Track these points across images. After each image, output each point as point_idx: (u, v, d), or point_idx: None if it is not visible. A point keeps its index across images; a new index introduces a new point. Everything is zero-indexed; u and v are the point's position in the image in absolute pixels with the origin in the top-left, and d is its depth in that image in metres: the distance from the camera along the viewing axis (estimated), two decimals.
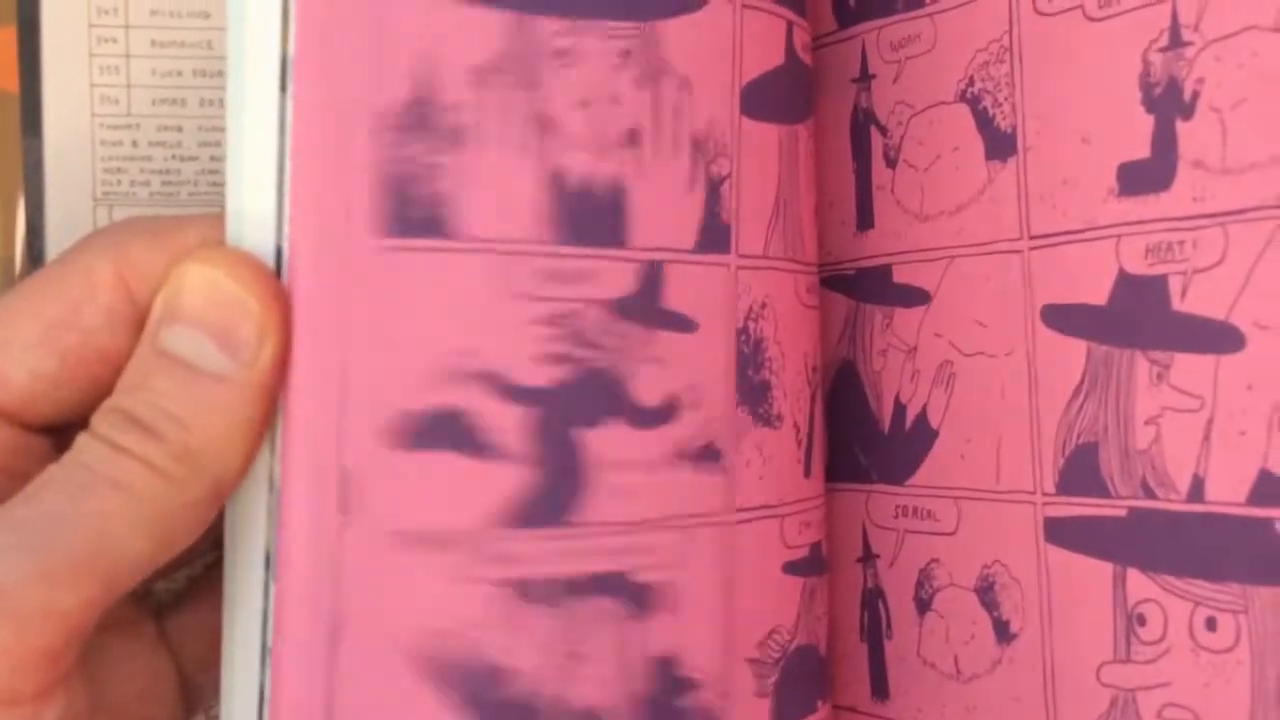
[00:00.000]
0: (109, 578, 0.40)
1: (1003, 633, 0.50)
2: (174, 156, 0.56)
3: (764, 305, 0.50)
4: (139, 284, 0.44)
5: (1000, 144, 0.50)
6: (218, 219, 0.44)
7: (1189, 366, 0.45)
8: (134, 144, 0.56)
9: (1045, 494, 0.49)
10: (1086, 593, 0.48)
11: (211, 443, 0.42)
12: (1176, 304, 0.46)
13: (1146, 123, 0.46)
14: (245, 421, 0.42)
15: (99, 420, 0.42)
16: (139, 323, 0.44)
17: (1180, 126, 0.45)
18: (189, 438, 0.42)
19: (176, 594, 0.51)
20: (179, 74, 0.56)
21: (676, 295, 0.47)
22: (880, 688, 0.54)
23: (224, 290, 0.42)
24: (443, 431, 0.44)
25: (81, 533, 0.40)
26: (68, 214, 0.56)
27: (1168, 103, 0.46)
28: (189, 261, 0.43)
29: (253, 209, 0.44)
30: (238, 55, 0.44)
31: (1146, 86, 0.46)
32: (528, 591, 0.45)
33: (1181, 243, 0.45)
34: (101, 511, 0.40)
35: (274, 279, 0.43)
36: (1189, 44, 0.45)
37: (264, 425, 0.43)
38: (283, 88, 0.44)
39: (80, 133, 0.56)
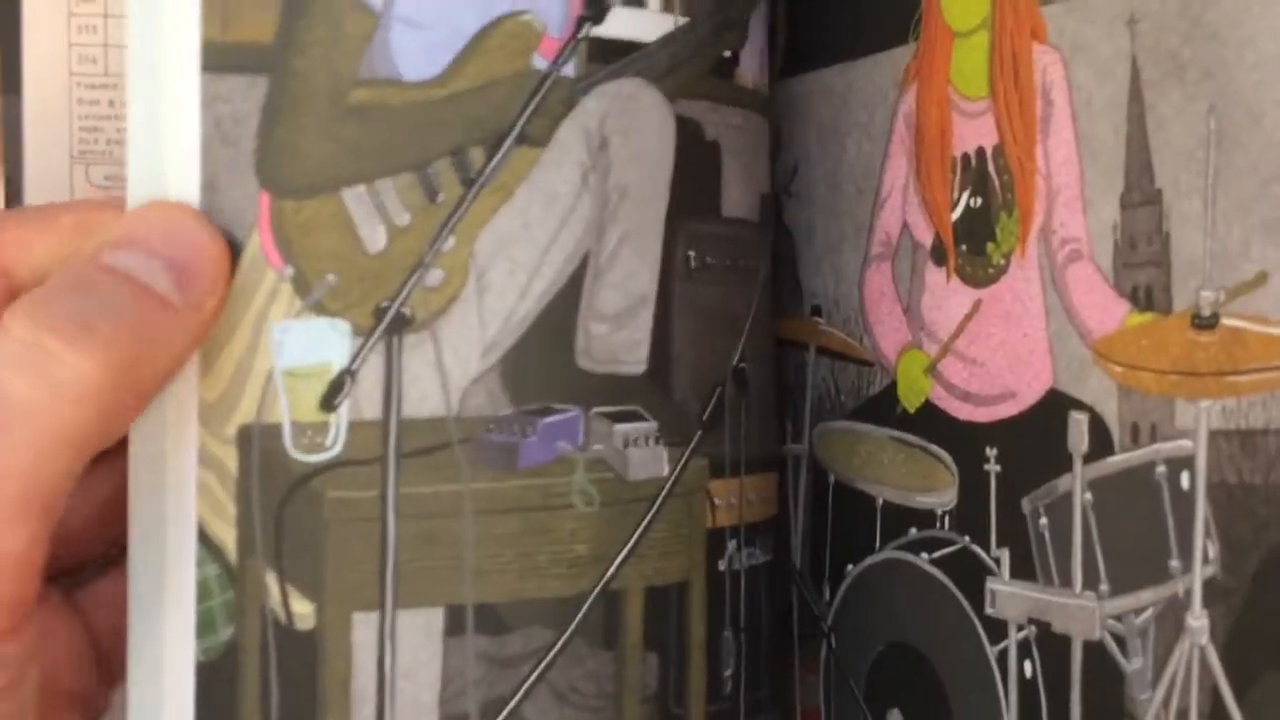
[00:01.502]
0: (45, 507, 0.42)
1: None
2: None
3: None
4: (13, 258, 0.46)
5: None
6: (99, 204, 0.47)
7: None
8: (111, 103, 0.58)
9: None
10: None
11: (145, 357, 0.43)
12: None
13: None
14: (179, 347, 0.45)
15: (20, 319, 0.42)
16: (10, 294, 0.45)
17: None
18: (125, 346, 0.43)
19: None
20: None
21: None
22: None
23: (189, 229, 0.45)
24: None
25: (11, 472, 0.41)
26: (45, 171, 0.58)
27: None
28: (150, 202, 0.46)
29: (176, 193, 0.46)
30: (148, 36, 0.46)
31: None
32: None
33: None
34: (25, 440, 0.41)
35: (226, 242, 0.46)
36: None
37: (186, 358, 0.45)
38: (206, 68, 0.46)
39: (58, 91, 0.58)
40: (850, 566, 0.60)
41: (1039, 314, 0.52)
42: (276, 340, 0.47)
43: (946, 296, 0.55)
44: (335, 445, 0.48)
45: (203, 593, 0.47)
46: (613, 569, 0.51)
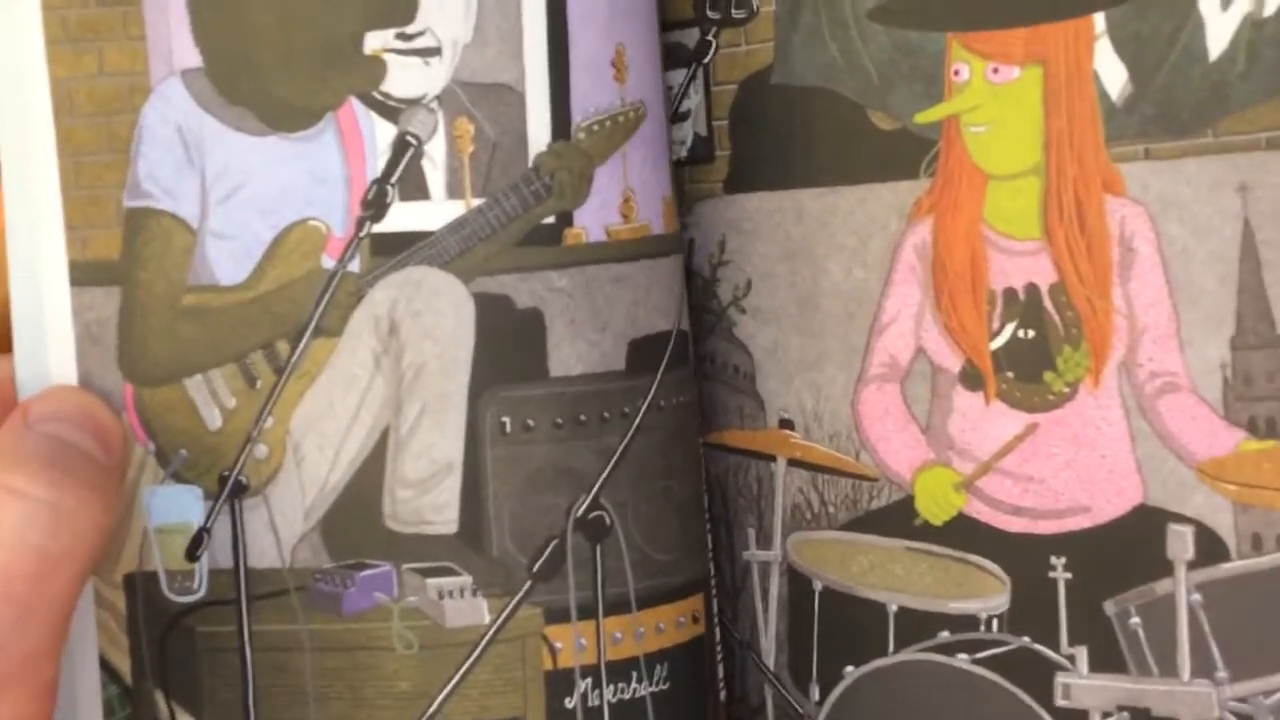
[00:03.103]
0: (66, 630, 0.53)
1: None
2: None
3: None
4: None
5: None
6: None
7: None
8: None
9: None
10: None
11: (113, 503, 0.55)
12: None
13: None
14: (117, 495, 0.56)
15: (35, 480, 0.51)
16: None
17: None
18: (109, 495, 0.54)
19: None
20: None
21: None
22: None
23: (95, 406, 0.56)
24: None
25: (52, 614, 0.51)
26: None
27: None
28: (58, 386, 0.57)
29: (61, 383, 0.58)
30: (26, 256, 0.57)
31: None
32: None
33: None
34: (60, 587, 0.51)
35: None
36: None
37: (118, 510, 0.56)
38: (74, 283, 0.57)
39: None
40: (850, 668, 0.62)
41: (1121, 438, 0.57)
42: (147, 503, 0.58)
43: (986, 419, 0.59)
44: (200, 589, 0.58)
45: (108, 709, 0.59)
46: (434, 706, 0.57)
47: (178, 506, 0.58)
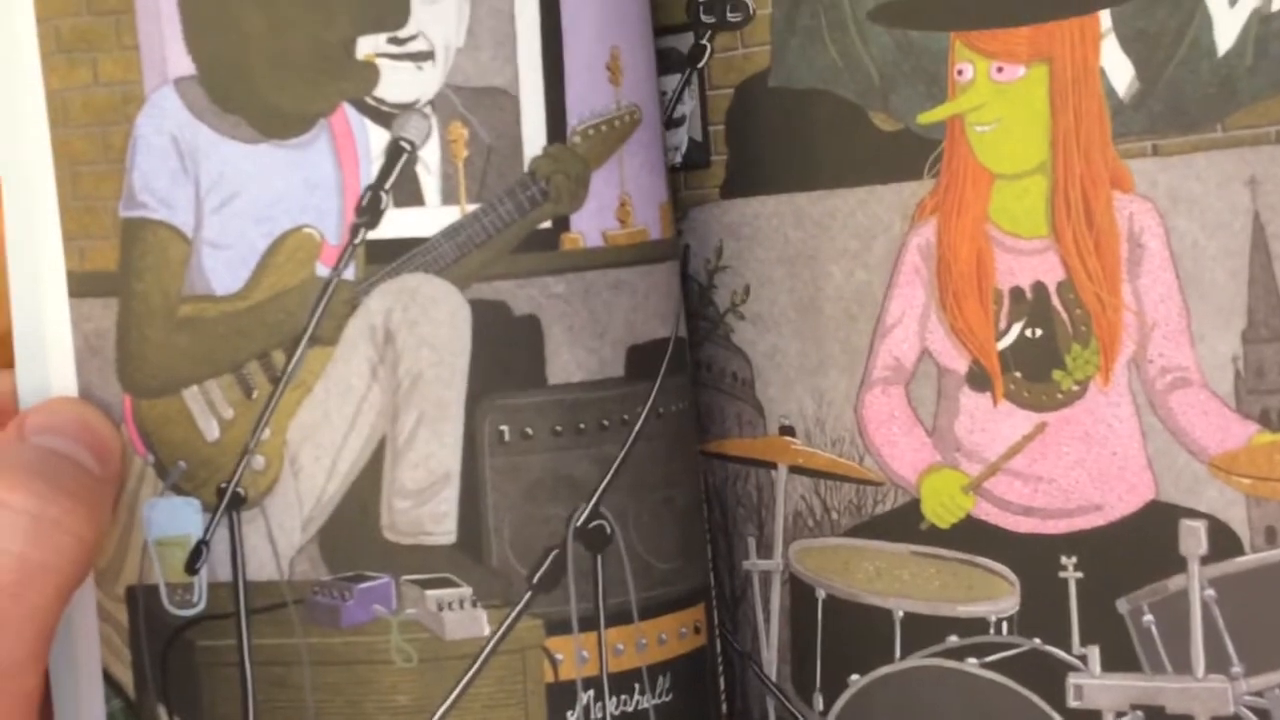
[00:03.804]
0: (49, 643, 0.51)
1: None
2: None
3: None
4: None
5: None
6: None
7: None
8: None
9: None
10: None
11: (103, 518, 0.55)
12: None
13: None
14: (110, 509, 0.56)
15: (17, 492, 0.51)
16: None
17: None
18: (96, 510, 0.54)
19: None
20: None
21: None
22: None
23: (93, 418, 0.56)
24: None
25: (32, 626, 0.51)
26: None
27: None
28: (58, 398, 0.57)
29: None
30: (25, 268, 0.57)
31: None
32: None
33: None
34: (41, 599, 0.51)
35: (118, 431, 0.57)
36: None
37: (110, 520, 0.56)
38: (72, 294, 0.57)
39: None
40: (855, 676, 0.62)
41: (1132, 434, 0.57)
42: (146, 516, 0.57)
43: (994, 419, 0.59)
44: (200, 602, 0.58)
45: None
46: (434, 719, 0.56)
47: (177, 519, 0.57)
